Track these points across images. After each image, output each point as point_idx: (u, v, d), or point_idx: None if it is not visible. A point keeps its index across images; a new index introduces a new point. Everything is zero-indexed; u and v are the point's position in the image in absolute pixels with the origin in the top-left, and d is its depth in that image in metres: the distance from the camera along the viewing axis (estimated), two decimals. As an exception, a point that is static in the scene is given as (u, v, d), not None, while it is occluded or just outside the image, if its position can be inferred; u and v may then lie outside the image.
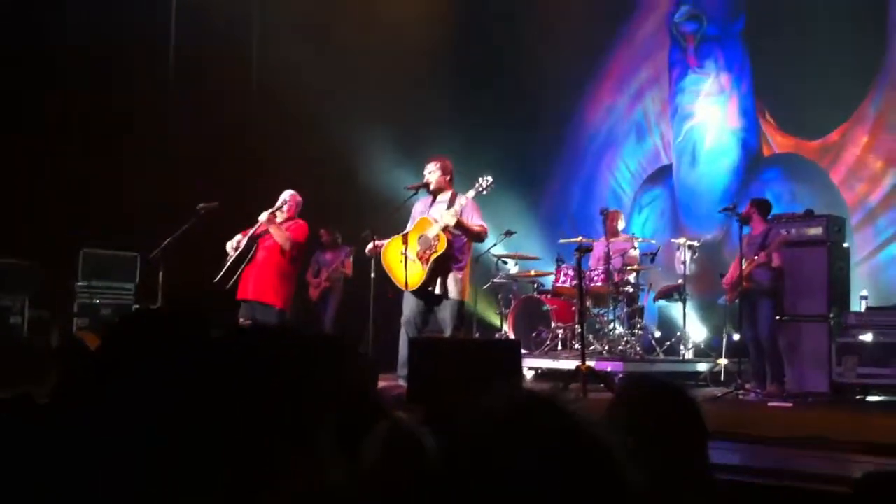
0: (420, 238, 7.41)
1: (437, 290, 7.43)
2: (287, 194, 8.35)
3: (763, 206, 8.91)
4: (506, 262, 11.21)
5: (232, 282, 8.06)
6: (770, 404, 7.77)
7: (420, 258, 7.36)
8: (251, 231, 8.20)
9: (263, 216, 8.14)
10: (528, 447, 1.06)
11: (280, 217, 8.25)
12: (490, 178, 7.52)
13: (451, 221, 7.33)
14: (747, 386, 8.36)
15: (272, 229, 8.10)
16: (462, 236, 7.51)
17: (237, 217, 8.38)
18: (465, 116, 12.36)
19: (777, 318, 8.62)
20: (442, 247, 7.31)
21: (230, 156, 10.63)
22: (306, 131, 11.16)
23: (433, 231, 7.38)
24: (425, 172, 7.70)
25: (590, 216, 12.33)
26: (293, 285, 8.42)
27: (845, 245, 9.22)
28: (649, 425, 2.19)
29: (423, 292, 7.47)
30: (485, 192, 7.55)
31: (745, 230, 8.75)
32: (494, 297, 11.38)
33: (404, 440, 1.79)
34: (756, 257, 8.45)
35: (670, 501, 2.06)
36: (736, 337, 9.54)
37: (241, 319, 8.00)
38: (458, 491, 1.06)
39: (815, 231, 8.85)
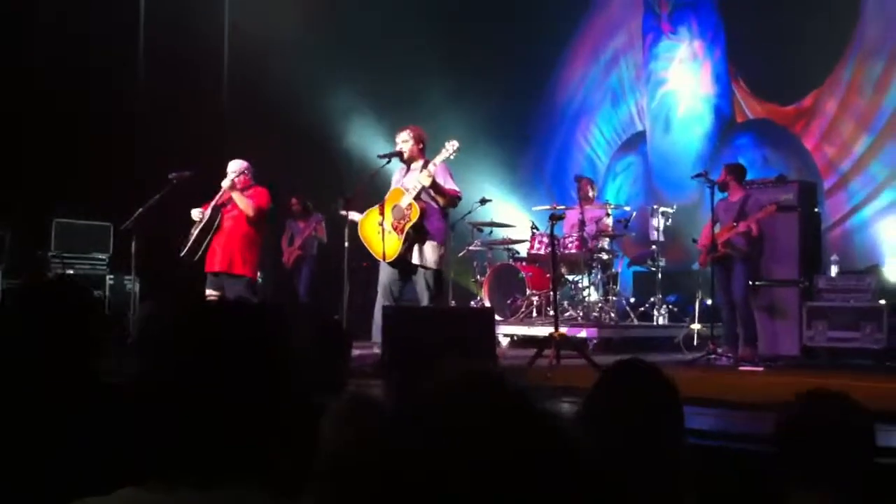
0: (394, 209, 7.42)
1: (415, 260, 7.45)
2: (237, 164, 8.17)
3: (739, 172, 8.96)
4: (481, 230, 11.23)
5: (200, 253, 8.00)
6: (741, 368, 7.85)
7: (395, 228, 7.37)
8: (213, 201, 8.11)
9: (226, 183, 8.05)
10: (474, 420, 1.09)
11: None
12: (456, 143, 7.49)
13: (427, 182, 7.34)
14: (719, 350, 8.44)
15: (235, 196, 8.01)
16: (436, 205, 7.51)
17: (209, 186, 8.32)
18: (439, 84, 12.31)
19: (751, 283, 8.70)
20: (415, 215, 7.32)
21: (203, 124, 10.55)
22: (279, 99, 11.09)
23: (405, 201, 7.39)
24: (398, 141, 7.67)
25: (565, 183, 12.38)
26: (259, 253, 8.35)
27: (816, 210, 9.29)
28: (629, 407, 2.23)
29: (400, 262, 7.49)
30: (452, 157, 7.53)
31: (719, 195, 8.79)
32: (470, 265, 11.41)
33: (361, 411, 1.82)
34: (736, 224, 8.49)
35: (644, 477, 2.10)
36: (709, 302, 9.62)
37: (208, 291, 7.96)
38: (407, 460, 1.09)
39: (787, 196, 8.91)
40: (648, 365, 2.51)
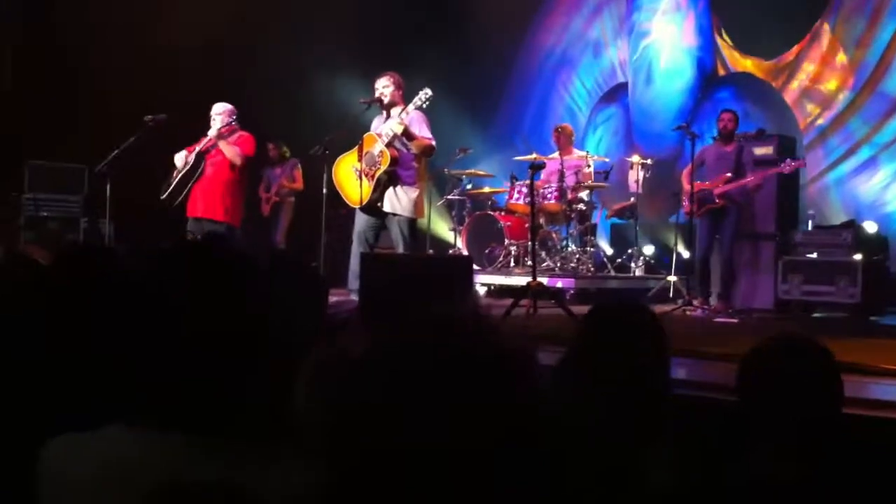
0: (366, 155, 7.45)
1: (387, 207, 7.47)
2: (221, 108, 8.14)
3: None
4: (460, 179, 11.19)
5: (181, 198, 7.98)
6: (716, 320, 7.90)
7: (367, 175, 7.40)
8: (198, 147, 8.08)
9: (213, 132, 8.02)
10: (445, 358, 1.07)
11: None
12: (429, 91, 7.53)
13: (399, 129, 7.36)
14: (695, 302, 8.49)
15: (221, 145, 7.99)
16: (410, 152, 7.52)
17: (185, 129, 8.24)
18: (417, 31, 12.18)
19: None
20: (385, 162, 7.36)
21: (178, 67, 10.40)
22: (254, 42, 10.95)
23: (377, 148, 7.44)
24: (377, 87, 7.65)
25: (544, 134, 12.30)
26: (242, 200, 8.34)
27: (795, 165, 9.31)
28: (618, 341, 2.21)
29: (371, 209, 7.51)
30: (424, 105, 7.55)
31: (699, 146, 8.75)
32: (448, 214, 11.39)
33: (335, 358, 1.81)
34: (731, 175, 8.46)
35: (627, 413, 2.09)
36: (686, 255, 9.65)
37: (188, 235, 7.93)
38: (373, 407, 1.08)
39: (766, 151, 8.93)
40: (640, 306, 2.47)
